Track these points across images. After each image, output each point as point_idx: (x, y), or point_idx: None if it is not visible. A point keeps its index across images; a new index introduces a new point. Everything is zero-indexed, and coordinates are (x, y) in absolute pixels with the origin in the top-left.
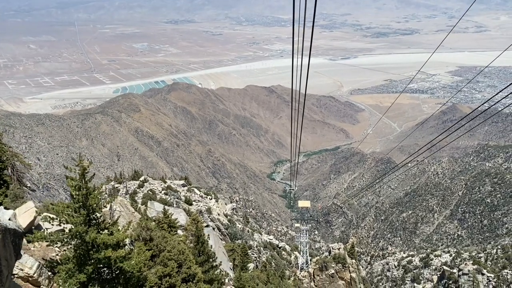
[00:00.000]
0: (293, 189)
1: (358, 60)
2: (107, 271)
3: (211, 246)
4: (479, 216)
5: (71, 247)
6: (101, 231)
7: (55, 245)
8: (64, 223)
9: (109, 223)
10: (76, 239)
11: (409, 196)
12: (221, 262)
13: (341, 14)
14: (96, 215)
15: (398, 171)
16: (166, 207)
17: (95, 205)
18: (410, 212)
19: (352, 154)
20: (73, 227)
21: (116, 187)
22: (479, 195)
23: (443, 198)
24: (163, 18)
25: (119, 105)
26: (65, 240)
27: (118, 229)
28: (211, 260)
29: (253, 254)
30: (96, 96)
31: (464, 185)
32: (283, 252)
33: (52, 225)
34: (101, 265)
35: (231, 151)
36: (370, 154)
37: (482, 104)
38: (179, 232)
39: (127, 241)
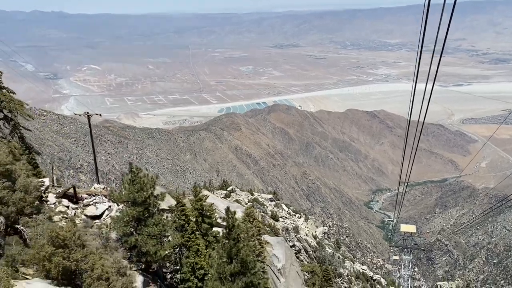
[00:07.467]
0: (392, 220)
1: (472, 87)
2: None
3: (259, 253)
4: None
5: None
6: None
7: None
8: None
9: None
10: None
11: None
12: (267, 278)
13: (454, 39)
14: None
15: None
16: (206, 192)
17: None
18: None
19: (462, 188)
20: None
21: None
22: None
23: None
24: (270, 42)
25: (222, 123)
26: None
27: None
28: (249, 273)
29: (343, 283)
30: (203, 114)
31: None
32: (378, 286)
33: None
34: None
35: (327, 175)
36: (483, 190)
37: None
38: (220, 230)
39: None
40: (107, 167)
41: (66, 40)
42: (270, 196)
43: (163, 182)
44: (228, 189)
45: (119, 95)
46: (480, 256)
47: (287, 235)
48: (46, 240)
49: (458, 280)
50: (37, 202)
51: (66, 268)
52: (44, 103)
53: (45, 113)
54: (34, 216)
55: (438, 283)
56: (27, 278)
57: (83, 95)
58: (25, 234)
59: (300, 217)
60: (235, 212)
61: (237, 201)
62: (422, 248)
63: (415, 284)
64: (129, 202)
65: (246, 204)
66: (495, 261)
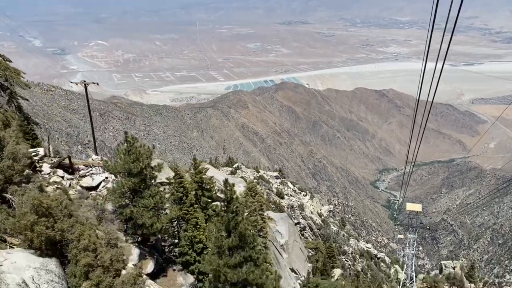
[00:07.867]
0: (398, 200)
1: (484, 67)
2: None
3: (261, 228)
4: None
5: None
6: None
7: None
8: None
9: None
10: None
11: None
12: (266, 252)
13: (467, 17)
14: None
15: None
16: (207, 165)
17: None
18: None
19: (469, 169)
20: None
21: None
22: None
23: None
24: (278, 19)
25: (229, 101)
26: None
27: None
28: (247, 248)
29: (347, 261)
30: (210, 92)
31: None
32: (382, 264)
33: None
34: None
35: (333, 154)
36: (490, 171)
37: None
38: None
39: None
40: (114, 143)
41: (73, 15)
42: (276, 173)
43: (170, 159)
44: (234, 166)
45: (126, 71)
46: (485, 236)
47: (292, 212)
48: (29, 208)
49: (462, 260)
50: (29, 171)
51: (49, 238)
52: (52, 78)
53: (53, 89)
54: (23, 185)
55: (442, 262)
56: (12, 248)
57: (91, 71)
58: (13, 203)
59: (306, 195)
60: (233, 184)
61: (242, 178)
62: (428, 227)
63: (419, 263)
64: (125, 173)
65: (252, 181)
66: (500, 242)
